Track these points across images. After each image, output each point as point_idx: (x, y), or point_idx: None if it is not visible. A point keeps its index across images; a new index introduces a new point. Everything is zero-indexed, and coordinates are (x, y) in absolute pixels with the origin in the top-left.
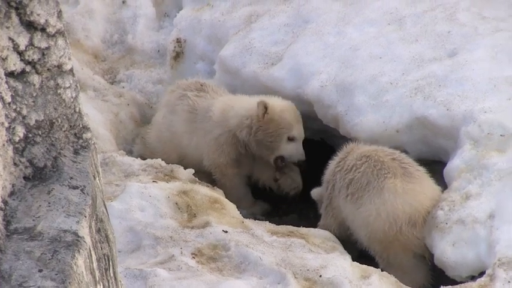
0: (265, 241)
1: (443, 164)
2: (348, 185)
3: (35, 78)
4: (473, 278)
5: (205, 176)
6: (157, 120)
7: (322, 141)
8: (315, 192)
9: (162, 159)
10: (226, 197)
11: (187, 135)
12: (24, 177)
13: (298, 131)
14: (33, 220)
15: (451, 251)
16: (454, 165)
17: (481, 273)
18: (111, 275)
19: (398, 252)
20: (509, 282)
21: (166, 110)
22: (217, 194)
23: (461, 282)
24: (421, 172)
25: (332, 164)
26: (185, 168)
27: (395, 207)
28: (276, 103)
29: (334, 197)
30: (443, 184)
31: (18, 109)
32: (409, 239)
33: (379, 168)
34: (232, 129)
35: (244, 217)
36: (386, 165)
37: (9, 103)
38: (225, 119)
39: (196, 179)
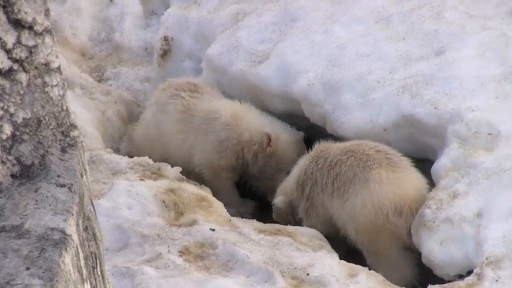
0: (252, 239)
1: (430, 162)
2: (334, 180)
3: (23, 76)
4: (461, 277)
5: (191, 176)
6: (146, 118)
7: (309, 139)
8: (281, 202)
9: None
10: (215, 196)
11: (178, 135)
12: (12, 175)
13: None
14: (21, 218)
15: (438, 249)
16: (442, 164)
17: (469, 272)
18: (99, 273)
19: (387, 243)
20: (496, 281)
21: (156, 109)
22: (205, 192)
23: (449, 281)
24: (406, 162)
25: (304, 165)
26: (172, 167)
27: (381, 196)
28: (283, 137)
29: (316, 196)
30: (430, 183)
31: (5, 107)
32: (397, 227)
33: (364, 161)
34: (241, 142)
35: (231, 215)
36: (372, 157)
37: None
38: (236, 126)
39: (184, 177)
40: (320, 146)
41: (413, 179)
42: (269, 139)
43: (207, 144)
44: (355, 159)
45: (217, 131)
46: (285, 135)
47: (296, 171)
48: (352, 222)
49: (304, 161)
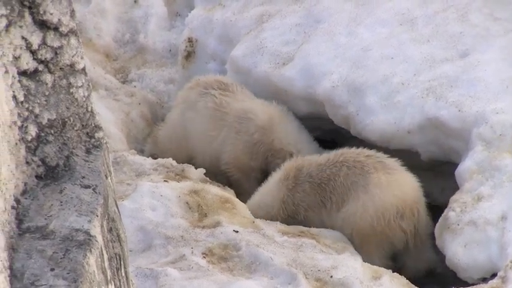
0: (276, 241)
1: (454, 165)
2: (330, 195)
3: (48, 77)
4: (484, 280)
5: (218, 177)
6: (172, 118)
7: (333, 141)
8: None
9: (173, 159)
10: (238, 197)
11: (209, 132)
12: (36, 176)
13: None
14: (45, 219)
15: (462, 252)
16: (466, 167)
17: (493, 275)
18: (123, 274)
19: (379, 247)
20: None
21: (183, 107)
22: (228, 194)
23: (472, 284)
24: (396, 163)
25: (284, 195)
26: (197, 168)
27: (384, 201)
28: (306, 150)
29: (313, 217)
30: (455, 185)
31: (30, 108)
32: (396, 233)
33: (360, 167)
34: (271, 149)
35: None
36: (366, 163)
37: (21, 102)
38: (270, 132)
39: (207, 178)
40: (289, 169)
41: (409, 179)
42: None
43: (239, 143)
44: (348, 168)
45: (250, 132)
46: (308, 152)
47: (275, 201)
48: (349, 227)
49: (281, 191)
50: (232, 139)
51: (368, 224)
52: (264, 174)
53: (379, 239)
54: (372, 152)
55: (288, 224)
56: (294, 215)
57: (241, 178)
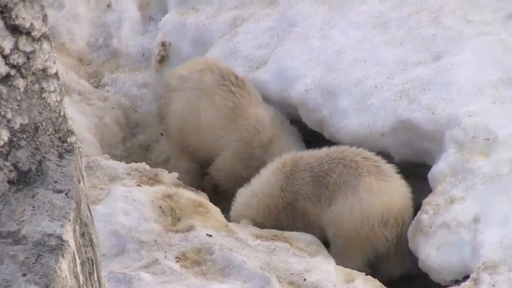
0: (249, 245)
1: (428, 167)
2: (326, 189)
3: (20, 82)
4: (457, 281)
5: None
6: (182, 103)
7: (307, 145)
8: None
9: (183, 148)
10: (222, 202)
11: (220, 132)
12: (9, 181)
13: None
14: (18, 224)
15: (435, 254)
16: (439, 169)
17: (466, 277)
18: (95, 279)
19: (362, 251)
20: (493, 286)
21: (198, 93)
22: (202, 198)
23: (445, 286)
24: (392, 169)
25: (282, 182)
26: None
27: (370, 206)
28: None
29: (310, 209)
30: (427, 187)
31: (2, 113)
32: (379, 239)
33: (355, 168)
34: (266, 163)
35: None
36: (361, 165)
37: None
38: (269, 148)
39: (181, 182)
40: (288, 159)
41: (401, 188)
42: None
43: (237, 152)
44: (344, 166)
45: (253, 145)
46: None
47: (274, 189)
48: (334, 227)
49: (279, 178)
50: (231, 145)
51: (353, 227)
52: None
53: (362, 243)
54: (371, 155)
55: (286, 213)
56: (293, 203)
57: (229, 185)
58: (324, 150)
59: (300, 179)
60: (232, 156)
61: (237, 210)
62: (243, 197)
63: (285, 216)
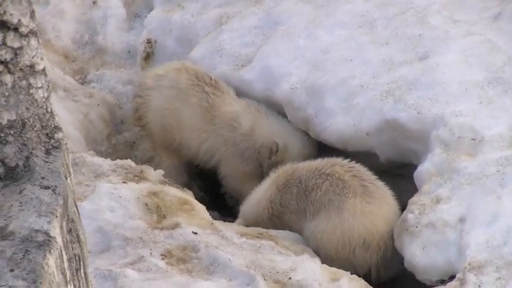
0: (234, 243)
1: (413, 167)
2: (311, 205)
3: (7, 78)
4: (443, 282)
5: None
6: (159, 104)
7: None
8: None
9: (167, 146)
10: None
11: (199, 133)
12: None
13: None
14: (5, 220)
15: (421, 254)
16: (425, 169)
17: (451, 277)
18: (82, 275)
19: (341, 267)
20: (479, 286)
21: (174, 94)
22: (187, 196)
23: (431, 286)
24: (380, 190)
25: (273, 194)
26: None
27: (352, 229)
28: (291, 145)
29: (294, 224)
30: (413, 187)
31: None
32: (359, 261)
33: (341, 187)
34: (256, 148)
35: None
36: (348, 184)
37: None
38: (252, 136)
39: (166, 180)
40: (283, 171)
41: (386, 211)
42: (276, 148)
43: (229, 156)
44: (330, 184)
45: (237, 142)
46: (292, 145)
47: (262, 199)
48: (315, 242)
49: (271, 190)
50: (223, 151)
51: (333, 247)
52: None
53: (342, 263)
54: (362, 172)
55: (271, 224)
56: (279, 215)
57: (240, 186)
58: (316, 163)
59: (289, 194)
60: (229, 160)
61: (240, 215)
62: (243, 207)
63: (271, 227)
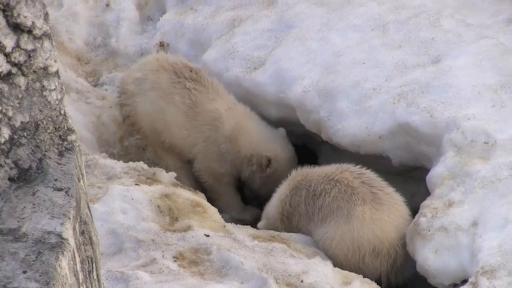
0: (246, 246)
1: (426, 170)
2: (319, 210)
3: (21, 80)
4: (455, 286)
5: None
6: (146, 108)
7: (305, 146)
8: (264, 226)
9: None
10: (215, 202)
11: (183, 131)
12: (9, 179)
13: None
14: (18, 221)
15: (433, 258)
16: (437, 172)
17: (464, 281)
18: (95, 277)
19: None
20: None
21: (156, 95)
22: (199, 198)
23: None
24: (390, 196)
25: (285, 196)
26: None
27: (361, 236)
28: (281, 156)
29: (303, 227)
30: (426, 191)
31: (3, 110)
32: (369, 268)
33: (349, 194)
34: (239, 157)
35: (231, 222)
36: (357, 191)
37: None
38: (236, 141)
39: (178, 182)
40: (297, 175)
41: (396, 218)
42: (269, 161)
43: (208, 153)
44: (339, 190)
45: (218, 142)
46: (282, 155)
47: (277, 201)
48: (325, 248)
49: (284, 191)
50: (202, 147)
51: (343, 253)
52: (237, 179)
53: (351, 269)
54: (370, 179)
55: (282, 226)
56: (289, 216)
57: (214, 184)
58: (327, 169)
59: (299, 195)
60: (205, 157)
61: (263, 214)
62: (268, 204)
63: (282, 229)
